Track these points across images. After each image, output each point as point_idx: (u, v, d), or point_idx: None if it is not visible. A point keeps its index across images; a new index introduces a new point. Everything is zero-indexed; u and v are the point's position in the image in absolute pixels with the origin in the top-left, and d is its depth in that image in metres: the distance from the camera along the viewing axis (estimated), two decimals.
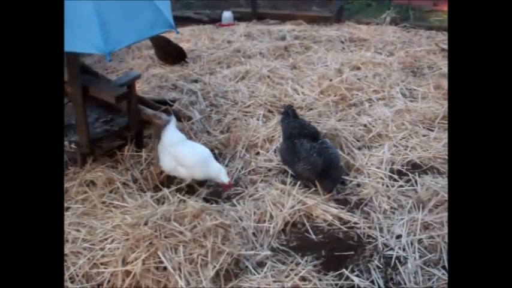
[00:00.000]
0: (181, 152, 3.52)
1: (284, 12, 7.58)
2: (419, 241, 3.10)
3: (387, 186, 3.63)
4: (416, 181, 3.64)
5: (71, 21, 2.64)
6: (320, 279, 2.84)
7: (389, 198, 3.50)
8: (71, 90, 3.50)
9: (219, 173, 3.46)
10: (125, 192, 3.47)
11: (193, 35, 6.75)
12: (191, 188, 3.59)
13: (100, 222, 3.14)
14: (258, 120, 4.46)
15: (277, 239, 3.18)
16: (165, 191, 3.45)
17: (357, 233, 3.20)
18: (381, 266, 2.95)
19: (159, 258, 2.78)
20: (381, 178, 3.70)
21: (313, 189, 3.54)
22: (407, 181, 3.67)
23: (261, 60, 5.71)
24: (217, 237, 2.92)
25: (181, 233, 2.92)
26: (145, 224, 2.99)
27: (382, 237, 3.15)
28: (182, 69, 5.65)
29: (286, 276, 2.84)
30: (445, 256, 2.97)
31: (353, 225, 3.26)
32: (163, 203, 3.32)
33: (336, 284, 2.82)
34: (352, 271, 2.91)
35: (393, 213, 3.37)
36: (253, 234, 3.16)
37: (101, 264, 2.86)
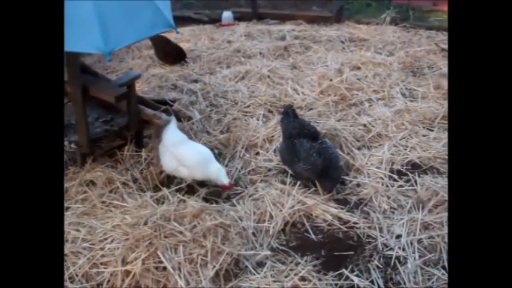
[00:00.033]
0: (182, 152, 3.52)
1: (284, 12, 7.58)
2: (419, 241, 3.10)
3: (387, 186, 3.63)
4: (416, 181, 3.64)
5: (71, 21, 2.64)
6: (320, 279, 2.84)
7: (389, 198, 3.50)
8: (71, 90, 3.51)
9: (219, 173, 3.46)
10: (124, 192, 3.47)
11: (193, 35, 6.75)
12: (191, 188, 3.59)
13: (100, 222, 3.14)
14: (257, 120, 4.46)
15: (277, 239, 3.18)
16: (165, 190, 3.45)
17: (356, 233, 3.20)
18: (380, 266, 2.95)
19: (159, 258, 2.78)
20: (381, 178, 3.70)
21: (313, 189, 3.54)
22: (407, 181, 3.67)
23: (261, 60, 5.71)
24: (217, 237, 2.92)
25: (181, 232, 2.92)
26: (145, 223, 2.99)
27: (382, 237, 3.15)
28: (182, 69, 5.65)
29: (286, 276, 2.84)
30: (444, 256, 2.97)
31: (353, 225, 3.26)
32: (163, 202, 3.32)
33: (336, 284, 2.82)
34: (352, 271, 2.91)
35: (393, 213, 3.37)
36: (253, 234, 3.16)
37: (101, 264, 2.86)
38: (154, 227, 2.94)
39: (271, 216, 3.29)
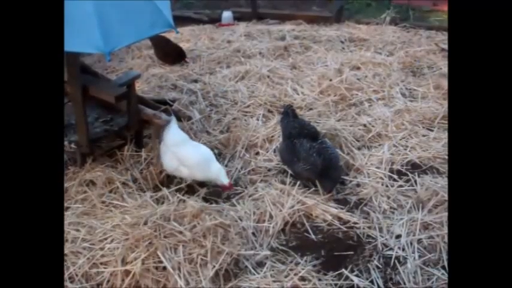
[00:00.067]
0: (184, 152, 3.52)
1: (284, 12, 7.57)
2: (419, 241, 3.10)
3: (387, 186, 3.63)
4: (415, 181, 3.64)
5: (70, 21, 2.64)
6: (320, 279, 2.84)
7: (388, 198, 3.50)
8: (71, 90, 3.50)
9: (219, 174, 3.46)
10: (124, 192, 3.47)
11: (193, 35, 6.75)
12: (191, 187, 3.59)
13: (100, 222, 3.14)
14: (257, 120, 4.46)
15: (277, 238, 3.18)
16: (165, 190, 3.45)
17: (356, 233, 3.20)
18: (380, 266, 2.95)
19: (159, 258, 2.78)
20: (381, 178, 3.70)
21: (313, 189, 3.54)
22: (407, 181, 3.67)
23: (260, 60, 5.71)
24: (217, 237, 2.92)
25: (180, 232, 2.92)
26: (145, 223, 2.99)
27: (382, 237, 3.15)
28: (182, 69, 5.65)
29: (286, 276, 2.84)
30: (444, 256, 2.97)
31: (352, 225, 3.26)
32: (162, 202, 3.32)
33: (336, 284, 2.82)
34: (352, 271, 2.91)
35: (393, 213, 3.37)
36: (253, 234, 3.16)
37: (101, 264, 2.86)
38: (154, 227, 2.94)
39: (271, 216, 3.29)
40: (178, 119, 4.15)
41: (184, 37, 6.58)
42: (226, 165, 3.85)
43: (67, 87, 3.48)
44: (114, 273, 2.79)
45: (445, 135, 4.15)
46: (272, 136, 4.16)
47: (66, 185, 3.53)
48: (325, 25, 7.02)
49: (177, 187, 3.54)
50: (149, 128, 4.11)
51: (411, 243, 3.08)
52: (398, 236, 3.15)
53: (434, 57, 5.78)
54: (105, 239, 2.99)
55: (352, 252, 3.06)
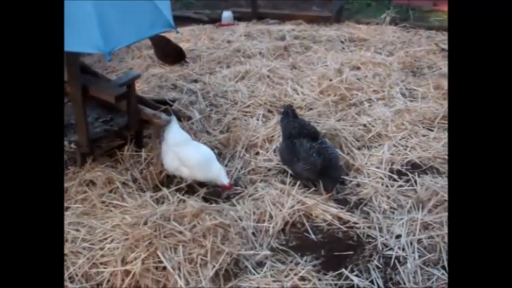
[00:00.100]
0: (185, 153, 3.52)
1: (284, 12, 7.58)
2: (419, 241, 3.10)
3: (387, 186, 3.63)
4: (415, 181, 3.64)
5: (70, 21, 2.64)
6: (319, 279, 2.84)
7: (388, 198, 3.50)
8: (71, 90, 3.50)
9: (219, 174, 3.46)
10: (124, 192, 3.47)
11: (193, 35, 6.75)
12: (191, 187, 3.59)
13: (99, 222, 3.14)
14: (257, 120, 4.46)
15: (277, 238, 3.18)
16: (165, 190, 3.45)
17: (356, 232, 3.20)
18: (380, 266, 2.95)
19: (159, 258, 2.78)
20: (381, 178, 3.70)
21: (313, 189, 3.54)
22: (407, 181, 3.67)
23: (260, 60, 5.71)
24: (217, 237, 2.92)
25: (180, 232, 2.92)
26: (145, 223, 2.99)
27: (382, 237, 3.15)
28: (182, 69, 5.65)
29: (286, 276, 2.84)
30: (444, 256, 2.97)
31: (352, 225, 3.26)
32: (162, 202, 3.32)
33: (336, 284, 2.82)
34: (352, 271, 2.91)
35: (393, 213, 3.37)
36: (253, 234, 3.16)
37: (101, 263, 2.86)
38: (154, 226, 2.94)
39: (271, 216, 3.29)
40: (178, 119, 4.14)
41: (184, 37, 6.59)
42: (226, 165, 3.85)
43: (67, 87, 3.48)
44: (114, 273, 2.79)
45: (445, 135, 4.15)
46: (272, 136, 4.16)
47: (66, 185, 3.53)
48: (325, 25, 7.02)
49: (177, 187, 3.54)
50: (149, 128, 4.11)
51: (411, 243, 3.08)
52: (398, 236, 3.15)
53: (434, 57, 5.78)
54: (105, 239, 2.99)
55: (352, 252, 3.06)
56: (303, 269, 2.87)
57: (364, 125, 4.35)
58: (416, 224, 3.20)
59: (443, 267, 2.92)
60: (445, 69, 5.34)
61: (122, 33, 3.01)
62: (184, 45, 6.13)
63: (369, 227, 3.23)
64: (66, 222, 3.15)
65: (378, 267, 2.94)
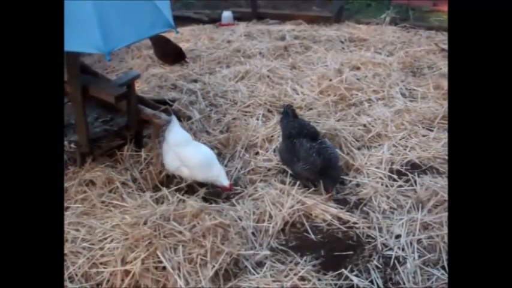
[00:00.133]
0: (186, 153, 3.52)
1: (284, 12, 7.58)
2: (419, 241, 3.10)
3: (386, 186, 3.63)
4: (415, 181, 3.64)
5: (70, 21, 2.64)
6: (319, 279, 2.84)
7: (388, 198, 3.50)
8: (71, 89, 3.50)
9: (219, 176, 3.46)
10: (124, 192, 3.47)
11: (193, 35, 6.75)
12: (190, 187, 3.59)
13: (99, 222, 3.14)
14: (257, 120, 4.46)
15: (277, 238, 3.18)
16: (165, 190, 3.45)
17: (356, 233, 3.20)
18: (380, 266, 2.95)
19: (159, 257, 2.78)
20: (380, 178, 3.70)
21: (313, 189, 3.54)
22: (407, 181, 3.67)
23: (260, 60, 5.71)
24: (217, 237, 2.92)
25: (180, 232, 2.92)
26: (145, 223, 2.99)
27: (382, 237, 3.15)
28: (182, 69, 5.65)
29: (286, 276, 2.84)
30: (444, 256, 2.97)
31: (352, 225, 3.26)
32: (162, 202, 3.32)
33: (335, 284, 2.82)
34: (352, 271, 2.91)
35: (392, 213, 3.37)
36: (253, 234, 3.16)
37: (100, 263, 2.86)
38: (153, 226, 2.94)
39: (270, 216, 3.29)
40: (178, 119, 4.14)
41: (184, 37, 6.59)
42: (226, 165, 3.85)
43: (67, 87, 3.48)
44: (114, 273, 2.79)
45: (445, 135, 4.15)
46: (272, 136, 4.16)
47: (66, 184, 3.53)
48: (325, 25, 7.03)
49: (177, 187, 3.54)
50: (149, 128, 4.10)
51: (411, 243, 3.08)
52: (398, 236, 3.15)
53: (434, 57, 5.78)
54: (105, 239, 2.99)
55: (351, 252, 3.06)
56: (302, 269, 2.87)
57: (364, 125, 4.36)
58: (416, 224, 3.20)
59: (443, 267, 2.92)
60: (445, 69, 5.34)
61: (121, 33, 3.01)
62: (184, 45, 6.13)
63: (369, 227, 3.23)
64: (66, 222, 3.15)
65: (377, 267, 2.94)
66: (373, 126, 4.32)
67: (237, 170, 3.82)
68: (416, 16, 7.32)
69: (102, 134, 3.80)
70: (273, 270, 2.90)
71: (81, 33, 2.87)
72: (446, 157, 3.83)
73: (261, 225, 3.23)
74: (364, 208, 3.43)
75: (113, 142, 3.99)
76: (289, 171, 3.71)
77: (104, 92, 3.72)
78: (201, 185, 3.59)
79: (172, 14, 3.36)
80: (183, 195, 3.39)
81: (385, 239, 3.13)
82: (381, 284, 2.83)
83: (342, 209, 3.40)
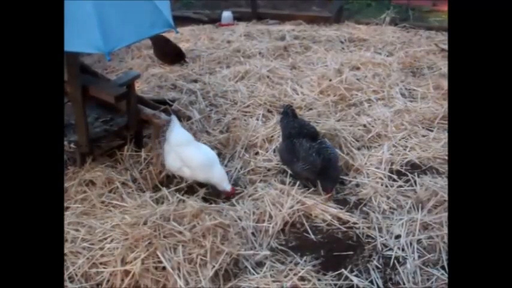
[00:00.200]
0: (187, 153, 3.51)
1: (284, 12, 7.58)
2: (419, 241, 3.10)
3: (386, 186, 3.63)
4: (415, 181, 3.64)
5: (70, 21, 2.64)
6: (319, 279, 2.84)
7: (388, 198, 3.50)
8: (71, 89, 3.50)
9: (222, 180, 3.46)
10: (124, 192, 3.47)
11: (192, 35, 6.75)
12: (190, 187, 3.59)
13: (99, 222, 3.14)
14: (257, 120, 4.46)
15: (277, 238, 3.18)
16: (165, 190, 3.45)
17: (356, 233, 3.20)
18: (380, 266, 2.95)
19: (158, 258, 2.78)
20: (380, 178, 3.70)
21: (312, 189, 3.54)
22: (407, 181, 3.67)
23: (260, 60, 5.71)
24: (217, 237, 2.92)
25: (180, 232, 2.92)
26: (145, 223, 2.99)
27: (381, 237, 3.15)
28: (182, 69, 5.65)
29: (285, 276, 2.84)
30: (444, 256, 2.97)
31: (352, 225, 3.26)
32: (162, 202, 3.32)
33: (335, 284, 2.82)
34: (351, 271, 2.92)
35: (392, 213, 3.37)
36: (253, 234, 3.16)
37: (100, 263, 2.86)
38: (153, 226, 2.94)
39: (270, 216, 3.29)
40: (178, 119, 4.14)
41: (184, 37, 6.59)
42: (226, 165, 3.85)
43: (67, 87, 3.48)
44: (114, 273, 2.79)
45: (444, 136, 4.15)
46: (272, 136, 4.16)
47: (65, 185, 3.53)
48: (325, 25, 7.03)
49: (177, 187, 3.54)
50: (149, 128, 4.10)
51: (411, 244, 3.08)
52: (397, 236, 3.15)
53: (434, 57, 5.78)
54: (105, 239, 2.99)
55: (351, 252, 3.06)
56: (302, 269, 2.87)
57: (364, 125, 4.36)
58: (416, 224, 3.20)
59: (442, 268, 2.92)
60: (444, 70, 5.34)
61: (121, 33, 3.01)
62: (184, 45, 6.13)
63: (369, 227, 3.23)
64: (66, 222, 3.15)
65: (377, 267, 2.94)
66: (373, 126, 4.32)
67: (236, 170, 3.82)
68: (416, 16, 7.32)
69: (102, 134, 3.80)
70: (272, 270, 2.90)
71: (81, 33, 2.87)
72: (446, 157, 3.83)
73: (260, 225, 3.23)
74: (364, 208, 3.43)
75: (112, 142, 3.99)
76: (289, 171, 3.71)
77: (104, 92, 3.71)
78: (201, 185, 3.59)
79: (172, 14, 3.36)
80: (183, 195, 3.39)
81: (385, 239, 3.13)
82: (380, 284, 2.83)
83: (341, 209, 3.40)
